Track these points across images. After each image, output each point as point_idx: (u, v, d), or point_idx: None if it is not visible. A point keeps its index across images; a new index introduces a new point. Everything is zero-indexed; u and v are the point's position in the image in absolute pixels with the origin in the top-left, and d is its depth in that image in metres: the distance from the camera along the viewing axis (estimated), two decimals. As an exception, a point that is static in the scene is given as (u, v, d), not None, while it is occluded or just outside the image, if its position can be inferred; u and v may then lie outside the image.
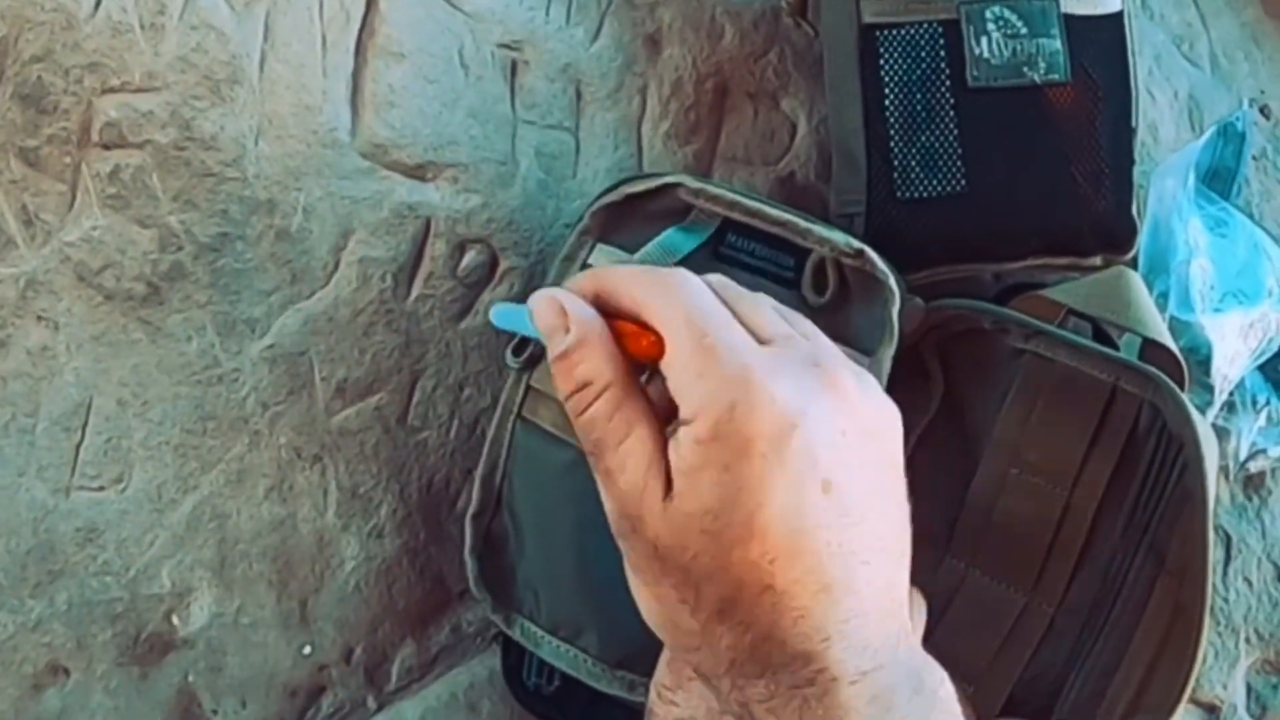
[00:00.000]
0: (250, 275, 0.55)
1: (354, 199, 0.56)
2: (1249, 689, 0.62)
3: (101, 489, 0.55)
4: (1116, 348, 0.53)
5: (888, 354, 0.51)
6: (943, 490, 0.54)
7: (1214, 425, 0.60)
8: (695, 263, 0.53)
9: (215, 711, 0.58)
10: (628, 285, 0.39)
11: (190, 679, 0.57)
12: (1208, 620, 0.46)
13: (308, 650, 0.58)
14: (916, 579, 0.52)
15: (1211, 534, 0.47)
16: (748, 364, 0.36)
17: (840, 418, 0.37)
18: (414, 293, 0.57)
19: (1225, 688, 0.61)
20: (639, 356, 0.38)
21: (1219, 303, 0.58)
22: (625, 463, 0.37)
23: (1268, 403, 0.60)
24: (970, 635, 0.53)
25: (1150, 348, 0.52)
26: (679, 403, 0.37)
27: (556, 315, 0.38)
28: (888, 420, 0.39)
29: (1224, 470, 0.62)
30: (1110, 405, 0.51)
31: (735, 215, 0.53)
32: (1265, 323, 0.59)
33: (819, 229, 0.52)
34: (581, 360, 0.37)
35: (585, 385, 0.37)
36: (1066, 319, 0.53)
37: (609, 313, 0.39)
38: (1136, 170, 0.58)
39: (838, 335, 0.53)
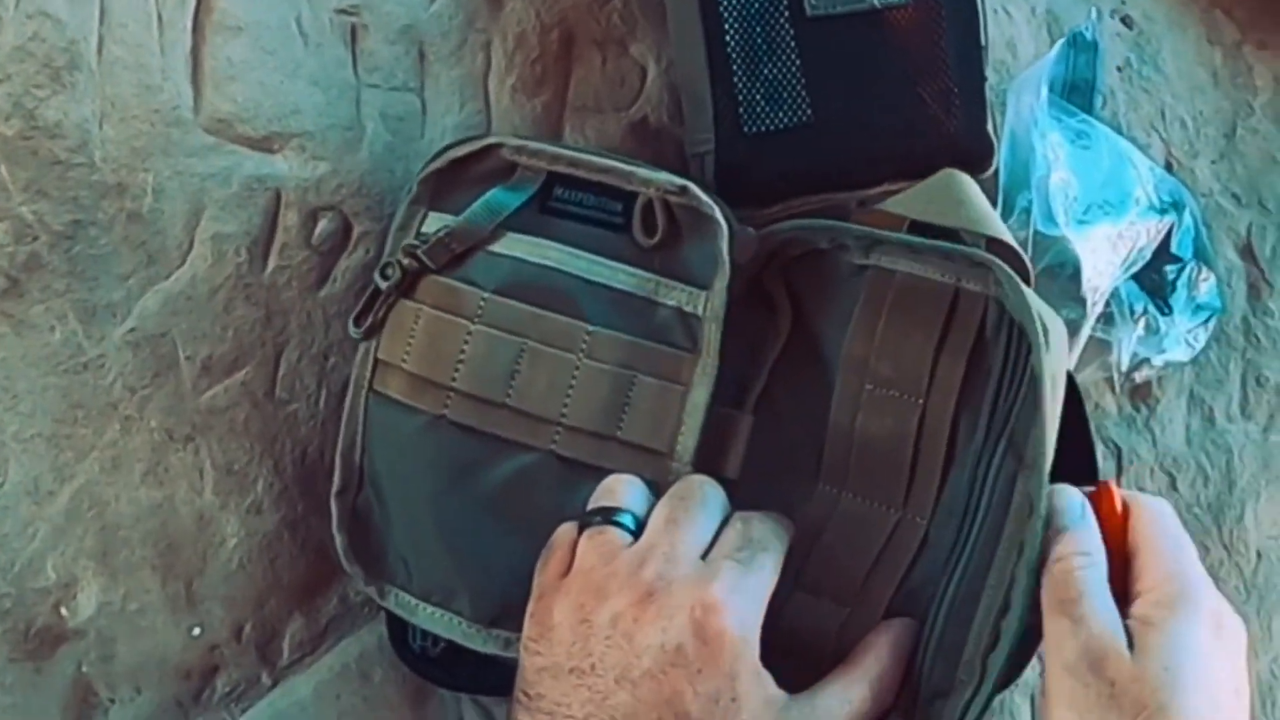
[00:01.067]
0: (106, 260, 0.55)
1: (202, 176, 0.56)
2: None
3: (-22, 486, 0.55)
4: None
5: (721, 286, 0.51)
6: (805, 419, 0.53)
7: (1093, 338, 0.60)
8: (524, 217, 0.53)
9: (112, 700, 0.58)
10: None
11: (84, 669, 0.57)
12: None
13: (197, 631, 0.58)
14: (790, 511, 0.52)
15: (1050, 420, 0.45)
16: (1203, 572, 0.47)
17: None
18: (270, 265, 0.57)
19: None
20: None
21: (1084, 215, 0.58)
22: (1102, 614, 0.45)
23: (1145, 311, 0.60)
24: (843, 559, 0.52)
25: (992, 245, 0.50)
26: (1146, 572, 0.46)
27: (1081, 497, 0.47)
28: None
29: (1109, 382, 0.61)
30: (954, 307, 0.50)
31: (559, 168, 0.53)
32: (1134, 232, 0.59)
33: (642, 171, 0.52)
34: (1088, 534, 0.46)
35: (1085, 554, 0.46)
36: (915, 232, 0.52)
37: None
38: (993, 87, 0.57)
39: (672, 274, 0.53)
